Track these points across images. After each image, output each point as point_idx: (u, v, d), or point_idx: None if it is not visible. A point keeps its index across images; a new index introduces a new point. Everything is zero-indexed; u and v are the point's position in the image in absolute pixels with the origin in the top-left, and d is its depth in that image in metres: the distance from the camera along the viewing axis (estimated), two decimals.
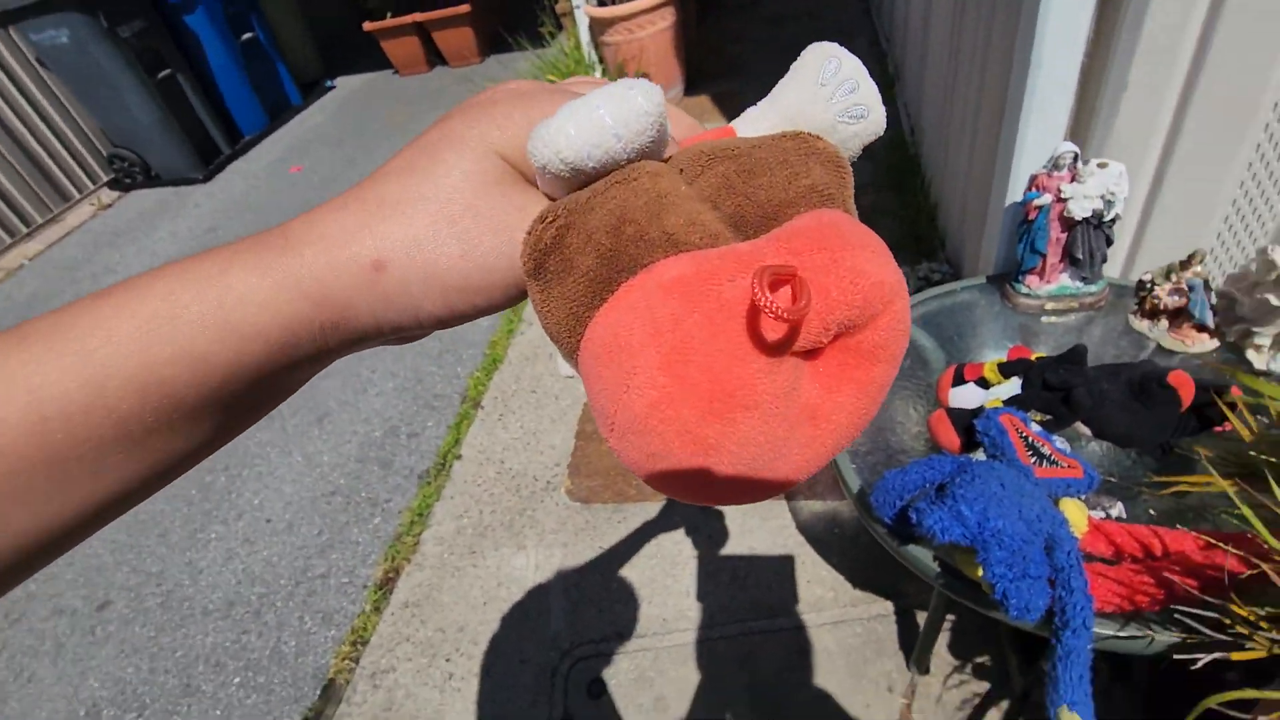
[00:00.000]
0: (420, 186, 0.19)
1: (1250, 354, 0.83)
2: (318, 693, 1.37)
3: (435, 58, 4.45)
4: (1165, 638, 0.64)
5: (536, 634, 1.36)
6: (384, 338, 0.21)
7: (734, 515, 1.47)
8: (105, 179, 3.83)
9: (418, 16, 4.15)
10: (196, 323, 0.17)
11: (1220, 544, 0.57)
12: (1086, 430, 0.81)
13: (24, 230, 3.44)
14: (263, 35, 4.04)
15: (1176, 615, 0.58)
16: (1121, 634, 0.66)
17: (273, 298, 0.18)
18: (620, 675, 1.27)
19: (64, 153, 3.65)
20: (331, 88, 4.64)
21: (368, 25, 4.29)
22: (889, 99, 2.73)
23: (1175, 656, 0.57)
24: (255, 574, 1.64)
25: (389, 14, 4.21)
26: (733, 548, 1.41)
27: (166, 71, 3.45)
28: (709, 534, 1.44)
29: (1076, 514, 0.71)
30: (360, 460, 1.87)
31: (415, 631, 1.43)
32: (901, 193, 2.17)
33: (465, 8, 4.09)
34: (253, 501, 1.83)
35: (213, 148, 3.77)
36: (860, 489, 0.86)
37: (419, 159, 0.20)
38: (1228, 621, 0.54)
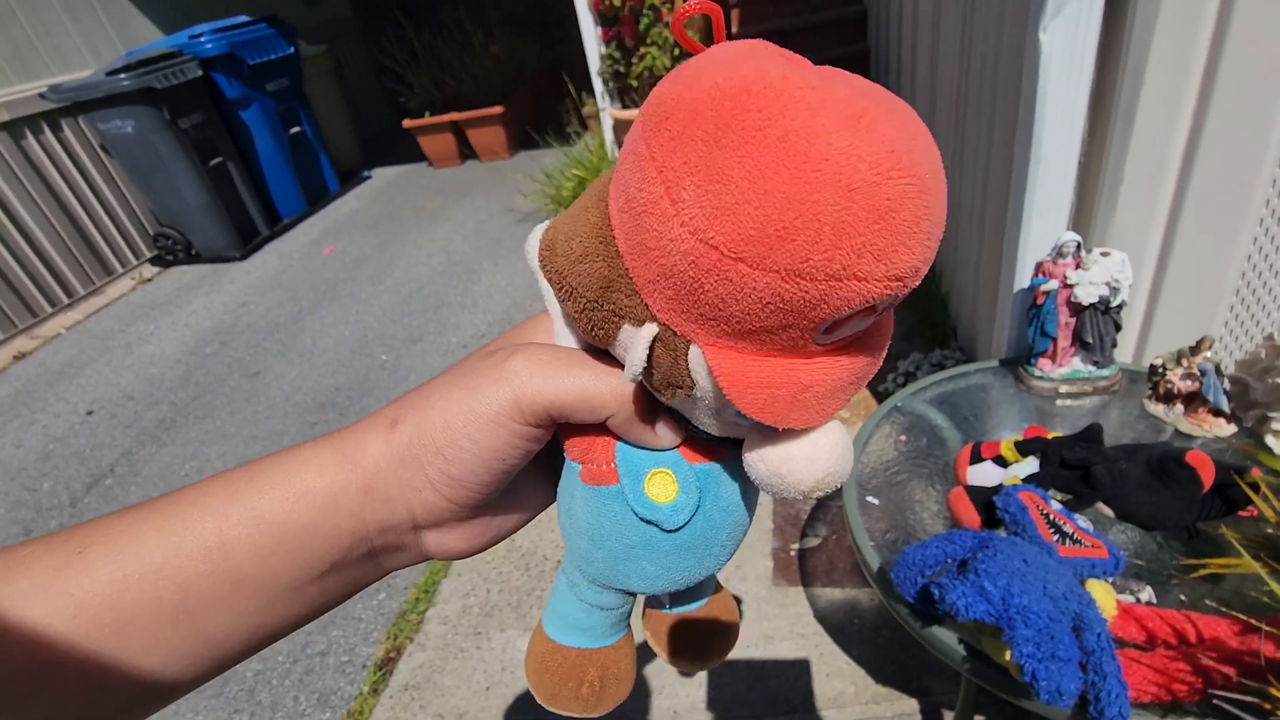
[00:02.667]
0: (441, 388, 0.24)
1: (1270, 439, 0.83)
2: None
3: (468, 152, 4.75)
4: None
5: None
6: (414, 530, 0.25)
7: (750, 602, 1.42)
8: (149, 255, 4.03)
9: (454, 115, 4.47)
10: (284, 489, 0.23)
11: (1256, 624, 0.56)
12: (1109, 512, 0.80)
13: (65, 300, 3.59)
14: (309, 129, 4.35)
15: (1215, 701, 0.56)
16: None
17: (325, 462, 0.24)
18: None
19: (113, 229, 3.87)
20: (368, 177, 4.94)
21: (407, 122, 4.62)
22: None
23: None
24: None
25: (427, 113, 4.54)
26: (748, 635, 1.35)
27: (218, 159, 3.70)
28: None
29: (1105, 596, 0.69)
30: None
31: (413, 717, 1.37)
32: None
33: (499, 109, 4.41)
34: None
35: (252, 229, 3.98)
36: (880, 567, 0.84)
37: (456, 377, 0.25)
38: (1268, 707, 0.52)
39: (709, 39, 0.21)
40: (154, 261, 4.03)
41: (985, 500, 0.81)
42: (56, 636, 0.19)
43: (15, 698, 0.19)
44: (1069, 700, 0.60)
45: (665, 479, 0.25)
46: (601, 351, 0.24)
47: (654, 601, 0.34)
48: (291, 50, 4.06)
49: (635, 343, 0.21)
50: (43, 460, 2.43)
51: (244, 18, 3.91)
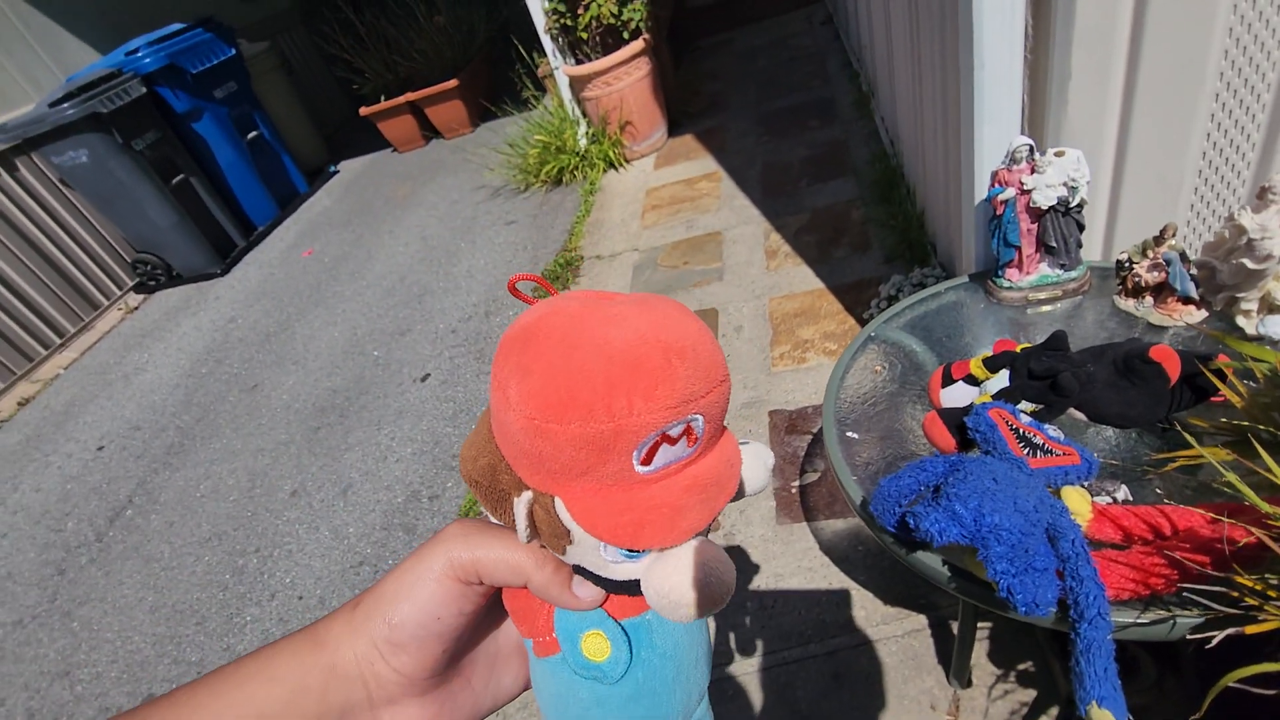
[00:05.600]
0: (397, 568, 0.28)
1: (1240, 320, 0.82)
2: None
3: (430, 132, 4.64)
4: (1187, 620, 0.62)
5: None
6: (371, 709, 0.28)
7: (755, 542, 1.45)
8: (131, 284, 4.02)
9: (410, 96, 4.35)
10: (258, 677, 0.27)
11: (1219, 516, 0.56)
12: (1082, 416, 0.80)
13: (57, 341, 3.60)
14: (267, 132, 4.26)
15: (1185, 594, 0.57)
16: (1142, 620, 0.64)
17: (299, 646, 0.27)
18: None
19: (90, 264, 3.84)
20: (335, 172, 4.86)
21: (364, 110, 4.51)
22: (866, 115, 2.78)
23: (1188, 636, 0.56)
24: None
25: (382, 97, 4.43)
26: (757, 577, 1.39)
27: (180, 177, 3.64)
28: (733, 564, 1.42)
29: (1079, 501, 0.70)
30: (385, 528, 1.89)
31: None
32: (889, 204, 2.19)
33: (453, 83, 4.29)
34: (284, 580, 1.85)
35: (228, 242, 3.95)
36: (863, 500, 0.85)
37: (407, 565, 0.28)
38: (1236, 595, 0.52)
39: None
40: (137, 289, 4.02)
41: (958, 421, 0.81)
42: None
43: None
44: (1046, 609, 0.61)
45: (597, 638, 0.29)
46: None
47: None
48: (233, 51, 3.94)
49: (520, 510, 0.26)
50: (63, 501, 2.48)
51: (178, 25, 3.78)
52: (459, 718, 0.30)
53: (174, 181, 3.60)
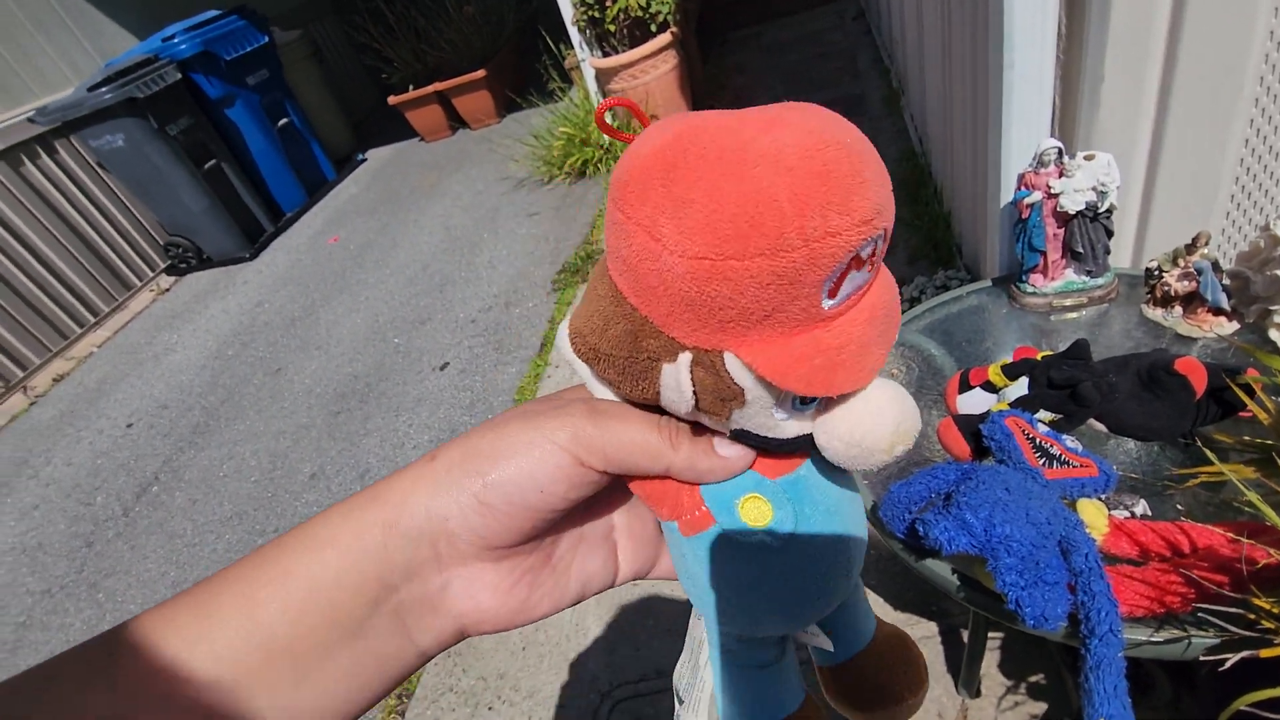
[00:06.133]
0: (495, 424, 0.25)
1: (1273, 333, 0.79)
2: None
3: (457, 122, 4.67)
4: (1202, 640, 0.60)
5: (576, 676, 1.35)
6: (440, 571, 0.25)
7: None
8: (163, 266, 4.11)
9: (438, 85, 4.38)
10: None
11: (1239, 536, 0.55)
12: (1103, 427, 0.78)
13: (92, 320, 3.70)
14: (297, 119, 4.32)
15: (1200, 614, 0.55)
16: (1156, 638, 0.63)
17: (350, 507, 0.24)
18: (663, 714, 1.25)
19: (125, 245, 3.94)
20: (363, 160, 4.91)
21: (392, 99, 4.54)
22: (895, 112, 2.74)
23: (1202, 658, 0.54)
24: None
25: (410, 86, 4.46)
26: None
27: (212, 162, 3.71)
28: None
29: (1095, 515, 0.68)
30: None
31: (458, 681, 1.44)
32: (916, 203, 2.16)
33: (481, 73, 4.30)
34: None
35: (257, 227, 4.02)
36: (874, 505, 0.84)
37: (511, 417, 0.25)
38: (1252, 617, 0.51)
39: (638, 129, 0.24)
40: (169, 271, 4.11)
41: (973, 429, 0.80)
42: None
43: None
44: (1055, 624, 0.60)
45: (757, 502, 0.26)
46: (653, 409, 0.26)
47: (821, 657, 0.34)
48: (266, 39, 4.00)
49: (678, 375, 0.22)
50: (92, 475, 2.56)
51: (214, 12, 3.84)
52: (539, 597, 0.27)
53: (206, 166, 3.67)
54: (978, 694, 1.09)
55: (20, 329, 3.38)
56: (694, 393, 0.22)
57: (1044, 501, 0.65)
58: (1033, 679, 1.08)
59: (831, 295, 0.21)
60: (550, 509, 0.24)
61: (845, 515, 0.27)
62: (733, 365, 0.22)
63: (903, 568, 1.30)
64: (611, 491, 0.28)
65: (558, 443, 0.23)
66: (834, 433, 0.23)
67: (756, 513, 0.26)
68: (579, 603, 0.29)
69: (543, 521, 0.25)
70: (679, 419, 0.25)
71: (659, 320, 0.22)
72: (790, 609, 0.27)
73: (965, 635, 1.18)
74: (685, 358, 0.22)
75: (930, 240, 1.97)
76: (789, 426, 0.24)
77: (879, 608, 1.26)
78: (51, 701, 0.19)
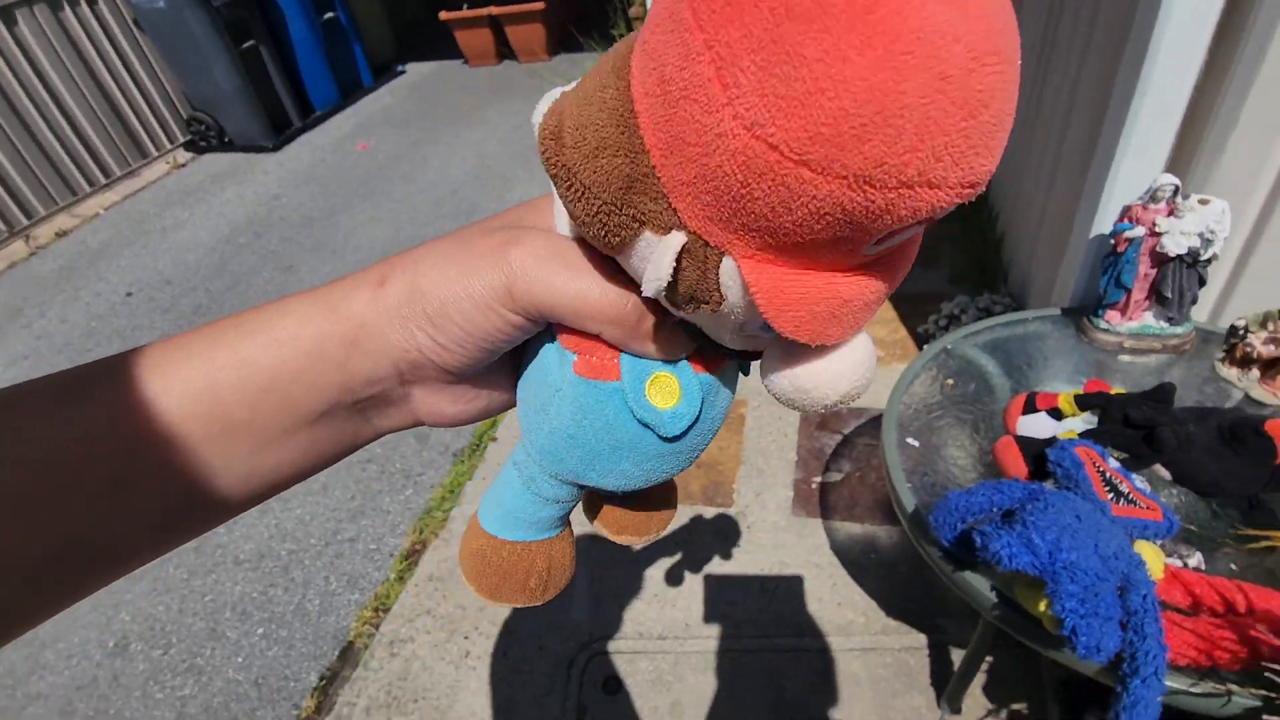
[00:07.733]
0: (435, 257, 0.23)
1: None
2: (336, 653, 1.39)
3: (505, 51, 4.53)
4: (1243, 699, 0.60)
5: (557, 623, 1.35)
6: (402, 384, 0.24)
7: (767, 527, 1.44)
8: (182, 140, 3.98)
9: (493, 9, 4.24)
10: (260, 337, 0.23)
11: None
12: (1165, 474, 0.77)
13: (103, 181, 3.59)
14: (343, 16, 4.16)
15: (1267, 674, 0.54)
16: (1195, 689, 0.63)
17: (309, 312, 0.23)
18: (638, 675, 1.25)
19: (147, 111, 3.80)
20: (402, 72, 4.76)
21: (444, 14, 4.39)
22: None
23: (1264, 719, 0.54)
24: (287, 530, 1.66)
25: (465, 4, 4.31)
26: (764, 560, 1.38)
27: (250, 42, 3.57)
28: (741, 543, 1.42)
29: (1153, 558, 0.67)
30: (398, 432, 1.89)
31: (437, 605, 1.43)
32: (967, 222, 2.13)
33: (540, 4, 4.16)
34: None
35: (285, 119, 3.89)
36: (916, 509, 0.83)
37: (453, 250, 0.23)
38: None
39: None
40: (187, 146, 3.98)
41: (1035, 452, 0.78)
42: (60, 463, 0.20)
43: None
44: (1105, 657, 0.59)
45: (669, 383, 0.24)
46: (607, 257, 0.22)
47: (605, 493, 0.33)
48: None
49: (660, 254, 0.18)
50: (86, 337, 2.50)
51: None
52: (486, 404, 0.27)
53: (244, 46, 3.53)
54: (958, 711, 1.10)
55: (31, 175, 3.27)
56: (670, 281, 0.18)
57: (1112, 536, 0.64)
58: (1015, 706, 1.09)
59: (877, 245, 0.17)
60: (499, 348, 0.24)
61: (718, 426, 0.26)
62: (728, 274, 0.18)
63: (903, 576, 1.30)
64: None
65: (494, 299, 0.22)
66: (787, 373, 0.21)
67: (663, 394, 0.24)
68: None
69: (495, 355, 0.24)
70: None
71: (669, 184, 0.17)
72: (629, 481, 0.26)
73: (954, 654, 1.19)
74: (677, 239, 0.18)
75: (977, 262, 1.95)
76: (741, 341, 0.22)
77: (871, 610, 1.26)
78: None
